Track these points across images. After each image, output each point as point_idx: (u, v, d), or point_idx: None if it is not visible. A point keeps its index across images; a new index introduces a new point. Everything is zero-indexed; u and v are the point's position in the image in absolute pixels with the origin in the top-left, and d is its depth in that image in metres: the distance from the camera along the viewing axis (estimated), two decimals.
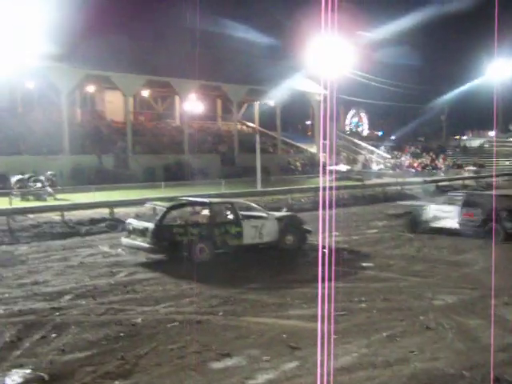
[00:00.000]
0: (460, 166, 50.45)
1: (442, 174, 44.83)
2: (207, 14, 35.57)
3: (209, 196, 19.26)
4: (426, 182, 35.34)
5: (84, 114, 42.17)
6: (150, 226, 12.97)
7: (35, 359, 7.21)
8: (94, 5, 29.24)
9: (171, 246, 13.00)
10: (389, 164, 49.82)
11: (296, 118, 63.89)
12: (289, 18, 40.49)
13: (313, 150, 49.03)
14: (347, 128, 71.11)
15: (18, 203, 22.50)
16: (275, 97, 43.53)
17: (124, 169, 34.80)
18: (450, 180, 38.74)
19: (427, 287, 10.78)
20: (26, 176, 26.39)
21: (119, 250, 14.81)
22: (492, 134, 68.64)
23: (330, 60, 32.23)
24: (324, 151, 39.49)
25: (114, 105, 42.16)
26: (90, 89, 41.38)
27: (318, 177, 35.34)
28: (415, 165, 49.98)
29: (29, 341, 7.87)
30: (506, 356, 7.26)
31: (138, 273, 12.19)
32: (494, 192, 21.29)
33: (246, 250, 13.96)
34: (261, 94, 44.39)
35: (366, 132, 74.70)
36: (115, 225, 18.97)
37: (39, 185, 25.88)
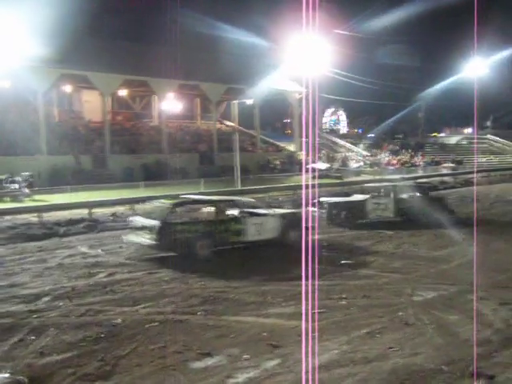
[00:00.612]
0: (438, 163, 50.96)
1: (421, 171, 45.21)
2: (185, 12, 35.49)
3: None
4: (403, 179, 35.58)
5: (61, 114, 41.82)
6: (156, 223, 13.23)
7: (13, 363, 7.11)
8: (71, 4, 28.93)
9: (176, 242, 13.20)
10: (368, 161, 50.08)
11: (275, 116, 64.12)
12: (268, 17, 40.46)
13: (292, 148, 49.14)
14: (325, 126, 71.36)
15: None
16: (254, 95, 43.57)
17: (102, 169, 34.61)
18: (428, 177, 39.10)
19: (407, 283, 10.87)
20: (3, 177, 26.09)
21: (98, 250, 14.74)
22: (469, 130, 69.44)
23: (309, 58, 32.37)
24: (305, 149, 39.61)
25: (92, 104, 41.86)
26: (67, 88, 41.02)
27: (298, 175, 35.53)
28: (394, 162, 50.34)
29: (6, 344, 7.76)
30: (484, 350, 7.33)
31: (118, 273, 12.08)
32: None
33: (247, 246, 14.25)
34: (240, 92, 44.41)
35: (344, 130, 75.08)
36: (94, 225, 18.86)
37: (16, 186, 25.58)
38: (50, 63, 32.00)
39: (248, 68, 40.03)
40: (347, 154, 51.68)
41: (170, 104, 41.64)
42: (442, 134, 71.93)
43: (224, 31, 39.69)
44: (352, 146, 54.61)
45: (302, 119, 46.13)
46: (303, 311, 7.52)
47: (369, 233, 17.13)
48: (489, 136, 61.98)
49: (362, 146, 55.28)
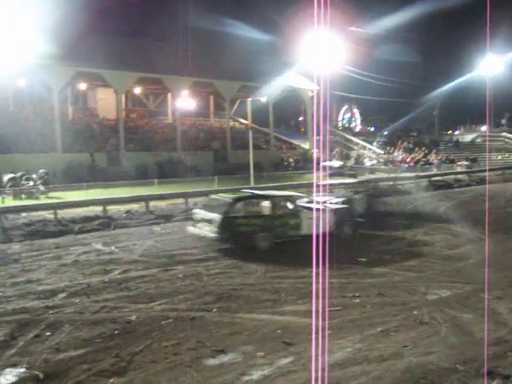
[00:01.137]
0: (453, 161, 50.58)
1: (435, 169, 44.90)
2: (200, 10, 35.50)
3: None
4: (418, 177, 35.40)
5: (76, 112, 41.99)
6: (217, 216, 13.77)
7: (29, 358, 7.19)
8: (86, 2, 29.11)
9: (235, 235, 13.91)
10: (381, 159, 49.81)
11: (288, 114, 63.87)
12: (281, 14, 40.38)
13: (306, 146, 49.03)
14: (340, 124, 71.14)
15: (10, 202, 22.43)
16: (268, 93, 43.50)
17: (116, 166, 34.72)
18: (442, 175, 38.83)
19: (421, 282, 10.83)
20: (18, 174, 26.24)
21: (113, 247, 14.80)
22: (484, 128, 68.85)
23: (322, 56, 32.27)
24: (317, 147, 39.50)
25: (106, 102, 42.01)
26: (82, 86, 41.18)
27: (311, 173, 35.42)
28: (408, 160, 50.04)
29: (23, 339, 7.85)
30: (499, 349, 7.29)
31: (132, 270, 12.15)
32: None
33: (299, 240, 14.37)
34: (253, 90, 44.31)
35: (358, 128, 74.74)
36: (108, 222, 18.94)
37: (31, 183, 25.75)
38: (64, 61, 32.13)
39: (262, 65, 39.92)
40: (361, 152, 51.49)
41: (183, 102, 41.65)
42: (457, 132, 71.38)
43: (238, 29, 39.72)
44: (366, 144, 54.38)
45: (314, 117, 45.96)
46: (313, 309, 7.50)
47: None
48: (504, 134, 61.46)
49: (375, 143, 54.99)
